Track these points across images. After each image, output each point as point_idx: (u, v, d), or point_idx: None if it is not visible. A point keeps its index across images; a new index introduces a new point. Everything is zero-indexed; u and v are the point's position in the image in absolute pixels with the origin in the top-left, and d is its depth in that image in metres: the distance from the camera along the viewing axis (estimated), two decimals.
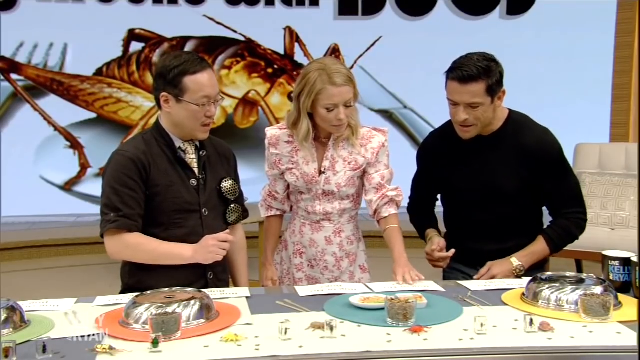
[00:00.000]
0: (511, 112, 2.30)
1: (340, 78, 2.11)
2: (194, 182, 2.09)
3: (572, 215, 2.29)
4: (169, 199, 2.04)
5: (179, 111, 2.03)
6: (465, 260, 2.35)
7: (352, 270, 2.35)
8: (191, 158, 2.11)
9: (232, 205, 2.19)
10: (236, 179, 2.23)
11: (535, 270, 2.21)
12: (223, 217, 2.18)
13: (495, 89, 2.14)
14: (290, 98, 6.58)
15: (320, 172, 2.24)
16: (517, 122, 2.28)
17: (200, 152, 2.13)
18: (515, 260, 2.23)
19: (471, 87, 2.11)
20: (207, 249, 1.98)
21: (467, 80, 2.10)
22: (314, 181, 2.24)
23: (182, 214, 2.07)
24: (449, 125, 2.33)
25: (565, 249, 2.48)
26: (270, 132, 2.30)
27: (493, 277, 2.19)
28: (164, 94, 2.03)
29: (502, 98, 2.21)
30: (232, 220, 2.20)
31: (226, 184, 2.16)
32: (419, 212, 2.50)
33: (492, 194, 2.26)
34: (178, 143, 2.09)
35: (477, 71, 2.10)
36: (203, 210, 2.10)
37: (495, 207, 2.27)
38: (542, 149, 2.22)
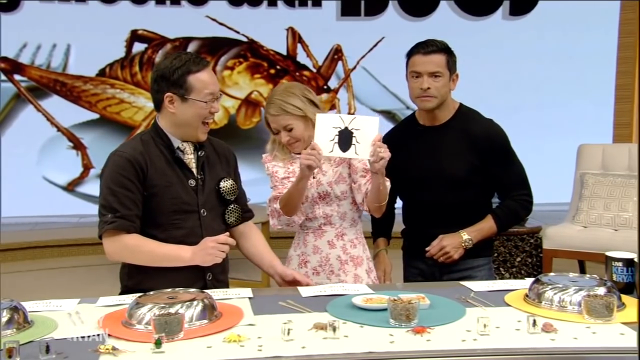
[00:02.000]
0: (461, 105, 2.46)
1: (273, 109, 2.29)
2: (192, 182, 2.09)
3: (518, 197, 2.43)
4: (167, 199, 2.04)
5: (185, 110, 2.04)
6: (420, 248, 2.42)
7: (357, 273, 2.33)
8: (190, 158, 2.11)
9: (232, 206, 2.18)
10: (236, 179, 2.23)
11: (484, 248, 2.43)
12: (222, 218, 2.17)
13: (452, 66, 2.37)
14: None
15: (312, 177, 2.28)
16: (465, 113, 2.45)
17: (199, 152, 2.13)
18: (464, 234, 2.36)
19: (434, 57, 2.34)
20: (206, 251, 1.98)
21: (431, 52, 2.34)
22: (309, 185, 2.28)
23: (181, 214, 2.06)
24: (405, 119, 2.57)
25: (568, 249, 2.50)
26: (267, 157, 2.41)
27: (442, 248, 2.34)
28: (168, 94, 2.04)
29: (456, 82, 2.40)
30: (231, 221, 2.19)
31: (225, 184, 2.15)
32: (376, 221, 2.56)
33: (444, 180, 2.37)
34: (176, 143, 2.09)
35: (440, 45, 2.36)
36: (201, 211, 2.10)
37: (447, 193, 2.38)
38: (489, 137, 2.39)
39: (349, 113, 6.54)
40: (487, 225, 2.40)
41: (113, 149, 2.11)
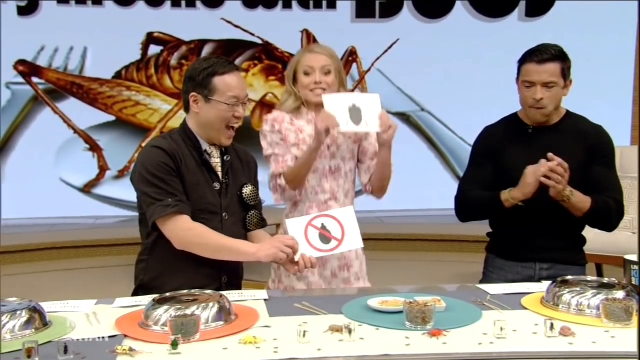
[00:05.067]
0: (568, 111, 2.43)
1: (318, 47, 2.36)
2: (216, 185, 2.12)
3: (613, 198, 2.32)
4: (195, 197, 2.06)
5: (208, 110, 2.07)
6: (510, 248, 2.36)
7: (358, 251, 2.37)
8: (216, 162, 2.14)
9: (252, 211, 2.21)
10: (256, 185, 2.25)
11: (578, 256, 2.39)
12: (242, 223, 2.19)
13: (566, 73, 2.31)
14: None
15: (326, 148, 2.32)
16: (576, 116, 2.43)
17: (224, 157, 2.16)
18: (568, 187, 2.20)
19: (548, 67, 2.27)
20: (272, 247, 1.97)
21: (545, 61, 2.27)
22: (322, 155, 2.30)
23: (205, 214, 2.08)
24: (506, 119, 2.46)
25: (586, 252, 2.46)
26: (273, 113, 2.39)
27: (564, 171, 2.15)
28: (193, 93, 2.08)
29: (569, 87, 2.35)
30: (251, 227, 2.21)
31: (247, 190, 2.18)
32: (479, 192, 2.43)
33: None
34: (204, 146, 2.12)
35: (554, 52, 2.28)
36: (223, 214, 2.12)
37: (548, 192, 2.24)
38: (599, 134, 2.36)
39: None
40: (584, 197, 2.25)
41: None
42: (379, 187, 2.36)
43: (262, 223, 2.27)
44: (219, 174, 2.14)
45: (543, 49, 2.28)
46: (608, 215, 2.31)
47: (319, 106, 2.28)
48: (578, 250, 2.43)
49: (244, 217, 2.19)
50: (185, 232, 2.00)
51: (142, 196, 2.03)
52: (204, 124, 2.10)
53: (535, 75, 2.27)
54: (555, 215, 2.29)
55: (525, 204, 2.27)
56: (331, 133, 2.25)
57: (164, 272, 2.06)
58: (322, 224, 2.05)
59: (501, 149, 2.40)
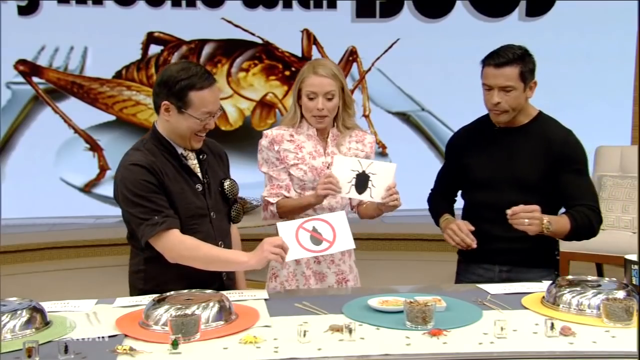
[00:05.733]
0: (541, 112, 2.38)
1: (323, 70, 2.27)
2: (199, 187, 2.10)
3: (588, 205, 2.26)
4: (183, 205, 2.04)
5: (179, 121, 2.03)
6: (479, 250, 2.31)
7: (351, 264, 2.39)
8: (194, 164, 2.12)
9: (236, 205, 2.21)
10: (231, 177, 2.25)
11: (546, 259, 2.33)
12: (227, 218, 2.20)
13: (527, 76, 2.24)
14: None
15: (327, 167, 2.31)
16: (546, 119, 2.36)
17: (201, 156, 2.14)
18: (545, 217, 2.14)
19: (505, 71, 2.21)
20: (263, 253, 1.95)
21: (502, 64, 2.21)
22: (322, 174, 2.29)
23: (196, 219, 2.07)
24: (479, 119, 2.44)
25: (585, 252, 2.45)
26: (273, 131, 2.36)
27: (531, 212, 2.10)
28: (165, 102, 2.02)
29: (533, 89, 2.30)
30: (237, 220, 2.22)
31: (227, 184, 2.18)
32: (438, 202, 2.53)
33: (514, 183, 2.29)
34: (179, 150, 2.09)
35: (512, 56, 2.22)
36: (211, 214, 2.12)
37: (515, 196, 2.25)
38: (566, 143, 2.29)
39: (364, 115, 6.54)
40: (562, 219, 2.21)
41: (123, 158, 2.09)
42: (367, 217, 2.39)
43: (243, 214, 2.28)
44: (199, 174, 2.11)
45: (502, 52, 2.23)
46: (589, 227, 2.25)
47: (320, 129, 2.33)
48: (542, 252, 2.35)
49: (228, 212, 2.19)
50: (177, 246, 1.98)
51: (130, 217, 2.01)
52: (173, 131, 2.06)
53: (492, 79, 2.23)
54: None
55: (487, 207, 2.30)
56: (331, 154, 2.30)
57: (166, 279, 2.03)
58: (314, 227, 2.05)
59: (466, 148, 2.42)
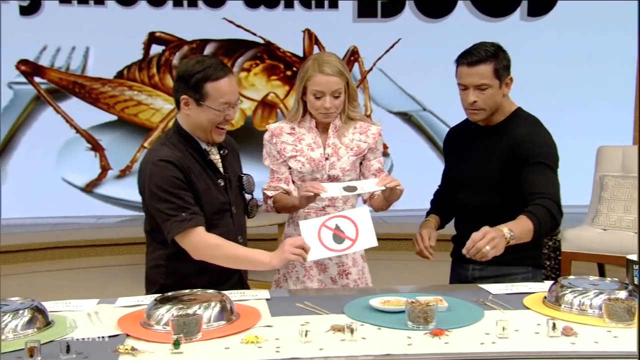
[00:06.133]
0: (518, 109, 2.32)
1: (330, 68, 2.24)
2: (221, 182, 2.14)
3: (544, 197, 2.11)
4: (208, 201, 2.08)
5: (199, 114, 2.06)
6: (459, 250, 2.26)
7: (354, 257, 2.37)
8: (216, 159, 2.15)
9: (252, 199, 2.25)
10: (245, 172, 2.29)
11: (525, 256, 2.21)
12: (245, 212, 2.24)
13: (502, 73, 2.20)
14: None
15: (325, 158, 2.31)
16: (519, 117, 2.29)
17: (221, 152, 2.17)
18: (503, 228, 2.00)
19: (479, 69, 2.18)
20: (283, 252, 1.96)
21: (475, 63, 2.18)
22: (320, 166, 2.30)
23: (219, 214, 2.11)
24: (462, 121, 2.41)
25: (587, 252, 2.43)
26: (273, 125, 2.39)
27: (474, 244, 1.95)
28: (184, 96, 2.06)
29: (510, 86, 2.26)
30: (253, 214, 2.25)
31: (245, 179, 2.22)
32: (435, 202, 2.54)
33: (480, 182, 2.29)
34: (203, 145, 2.12)
35: (485, 54, 2.18)
36: (232, 209, 2.16)
37: (483, 195, 2.27)
38: (527, 139, 2.20)
39: (365, 115, 6.54)
40: (521, 221, 2.06)
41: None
42: (379, 209, 2.36)
43: (257, 209, 2.31)
44: (221, 170, 2.15)
45: (474, 51, 2.20)
46: (550, 221, 2.09)
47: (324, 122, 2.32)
48: (517, 250, 2.14)
49: (245, 206, 2.23)
50: (202, 244, 2.00)
51: (156, 212, 2.02)
52: (195, 125, 2.09)
53: (466, 78, 2.20)
54: (486, 217, 2.14)
55: (464, 207, 2.32)
56: (331, 145, 2.30)
57: (187, 274, 2.06)
58: (337, 224, 2.04)
59: (452, 147, 2.44)
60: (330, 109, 2.26)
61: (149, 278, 2.16)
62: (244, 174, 2.23)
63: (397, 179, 2.17)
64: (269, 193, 2.35)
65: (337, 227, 2.03)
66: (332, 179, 2.31)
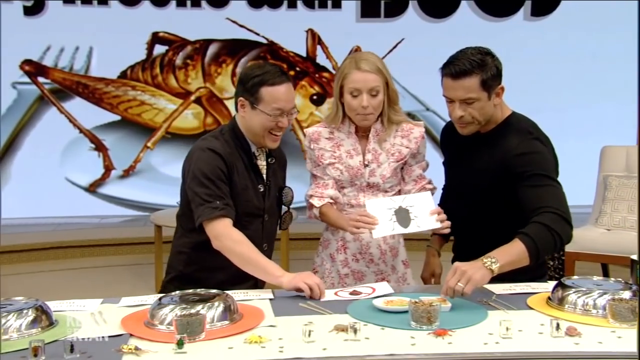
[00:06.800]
0: (512, 114, 2.18)
1: (367, 65, 2.17)
2: (261, 187, 2.18)
3: (548, 210, 1.92)
4: (242, 201, 2.11)
5: (252, 117, 2.12)
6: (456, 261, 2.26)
7: (394, 264, 2.34)
8: (262, 164, 2.20)
9: (288, 212, 2.30)
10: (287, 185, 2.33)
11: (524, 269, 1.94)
12: (278, 222, 2.29)
13: (491, 83, 2.04)
14: (312, 100, 6.59)
15: (365, 165, 2.27)
16: (510, 124, 2.14)
17: (269, 160, 2.22)
18: (484, 258, 1.84)
19: (464, 82, 2.02)
20: (297, 277, 1.94)
21: (459, 75, 2.02)
22: (359, 174, 2.26)
23: (249, 217, 2.15)
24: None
25: (591, 252, 2.38)
26: (311, 129, 2.34)
27: (456, 272, 1.80)
28: (241, 98, 2.13)
29: (501, 95, 2.10)
30: (285, 226, 2.31)
31: (285, 192, 2.26)
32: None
33: (471, 190, 2.18)
34: (253, 148, 2.18)
35: (470, 65, 2.01)
36: (265, 216, 2.19)
37: (475, 204, 2.17)
38: (518, 154, 2.05)
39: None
40: (510, 246, 1.88)
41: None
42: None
43: (290, 222, 2.35)
44: (264, 176, 2.19)
45: (457, 61, 2.03)
46: (551, 238, 1.90)
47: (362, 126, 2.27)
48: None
49: (279, 217, 2.28)
50: (224, 235, 2.02)
51: (193, 196, 2.07)
52: (248, 127, 2.15)
53: (451, 91, 2.05)
54: (477, 226, 2.16)
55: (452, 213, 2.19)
56: (371, 151, 2.27)
57: (207, 266, 2.11)
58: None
59: (445, 147, 2.37)
60: (367, 109, 2.18)
61: (170, 263, 2.22)
62: (286, 187, 2.28)
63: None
64: (316, 203, 2.26)
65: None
66: (372, 186, 2.27)
